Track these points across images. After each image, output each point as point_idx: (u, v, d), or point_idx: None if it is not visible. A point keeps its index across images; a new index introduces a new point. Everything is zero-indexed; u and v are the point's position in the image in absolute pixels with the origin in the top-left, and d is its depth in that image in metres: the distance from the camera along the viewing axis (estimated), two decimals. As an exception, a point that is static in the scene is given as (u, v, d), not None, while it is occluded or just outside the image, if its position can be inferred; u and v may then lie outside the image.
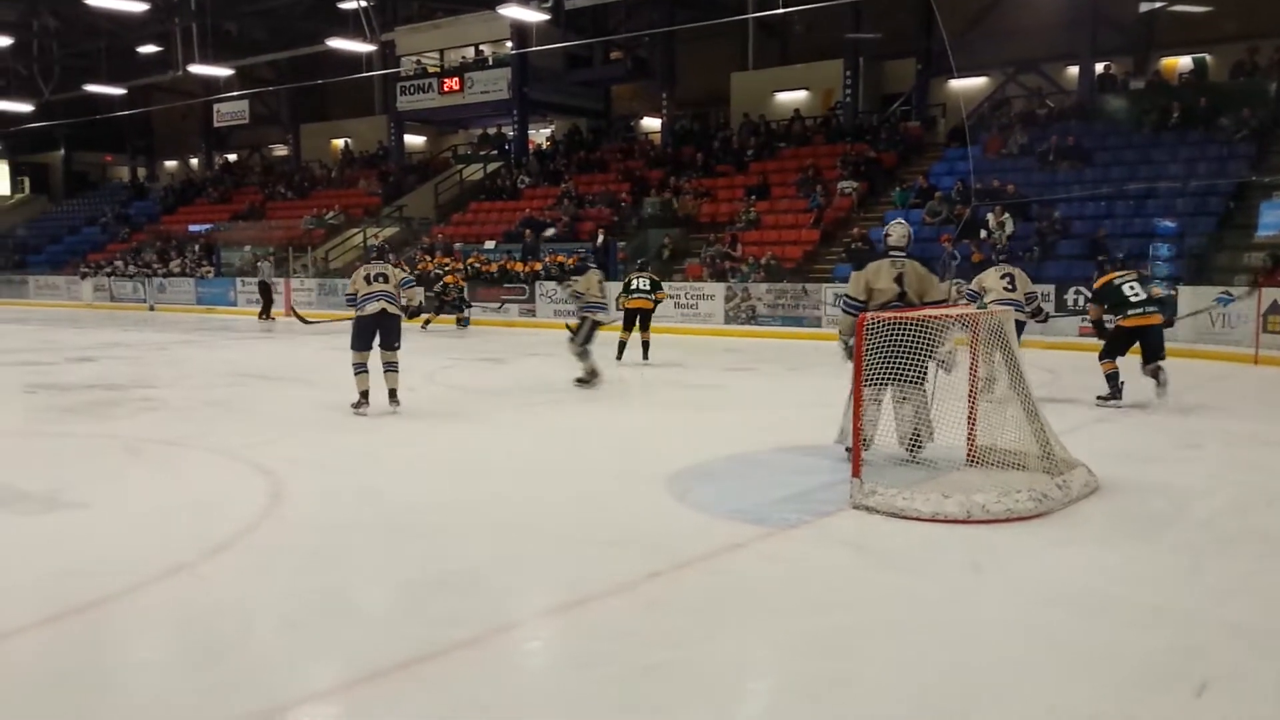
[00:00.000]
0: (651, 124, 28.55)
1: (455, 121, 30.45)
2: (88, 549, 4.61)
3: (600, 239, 20.89)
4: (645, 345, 12.42)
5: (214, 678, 3.25)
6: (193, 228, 30.23)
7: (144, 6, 21.00)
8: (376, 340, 8.18)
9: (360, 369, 8.17)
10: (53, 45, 29.28)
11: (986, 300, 8.84)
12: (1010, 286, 8.97)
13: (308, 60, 26.46)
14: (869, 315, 5.44)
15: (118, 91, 28.79)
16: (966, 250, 16.60)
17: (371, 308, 8.10)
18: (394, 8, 26.92)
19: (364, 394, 8.22)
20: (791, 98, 25.31)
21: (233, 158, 37.04)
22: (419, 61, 27.88)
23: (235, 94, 28.95)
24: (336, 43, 23.30)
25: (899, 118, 23.06)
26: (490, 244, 22.93)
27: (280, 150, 35.77)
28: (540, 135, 30.42)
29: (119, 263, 29.48)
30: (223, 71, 26.38)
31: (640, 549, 4.55)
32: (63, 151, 39.23)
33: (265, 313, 21.50)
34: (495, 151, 29.26)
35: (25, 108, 29.67)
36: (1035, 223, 17.34)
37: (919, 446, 5.90)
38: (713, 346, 15.29)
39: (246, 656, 3.45)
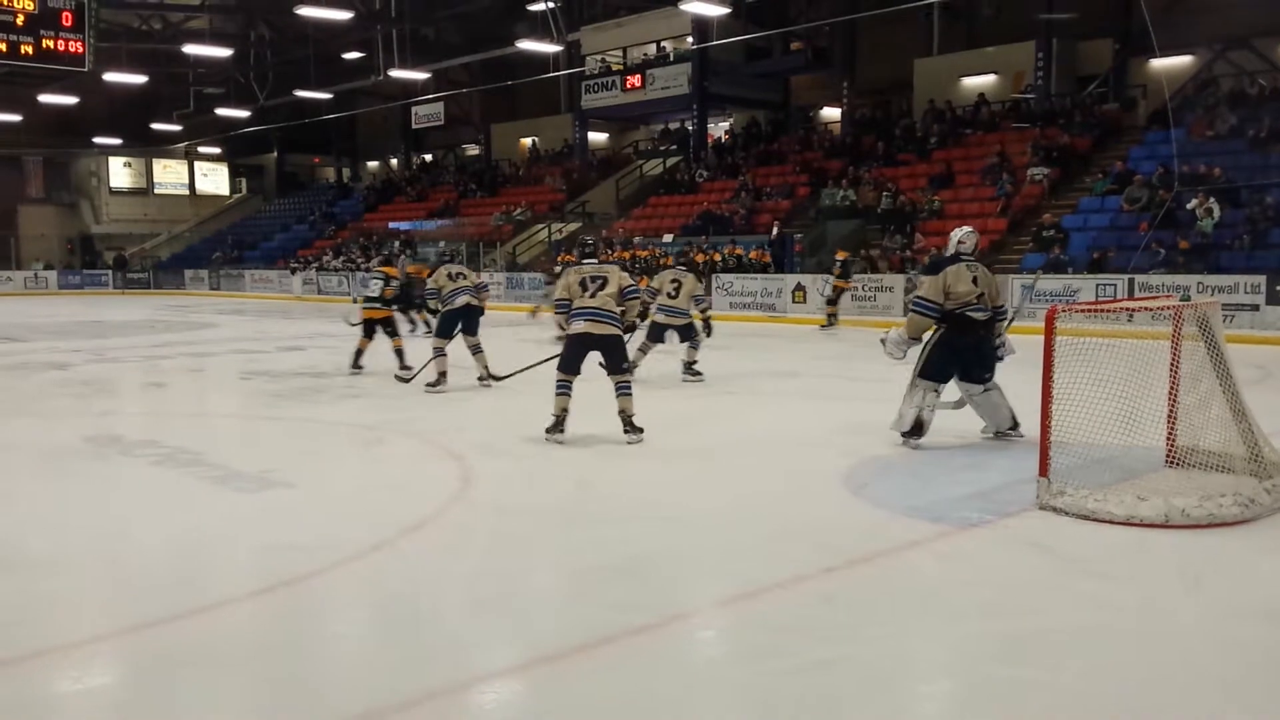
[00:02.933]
0: (831, 114, 28.10)
1: (637, 117, 30.89)
2: (295, 526, 4.95)
3: (775, 232, 20.74)
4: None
5: (407, 651, 3.42)
6: (392, 225, 31.93)
7: (349, 15, 22.29)
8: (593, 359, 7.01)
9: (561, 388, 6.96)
10: (267, 54, 31.47)
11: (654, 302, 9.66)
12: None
13: (499, 62, 27.44)
14: (1058, 307, 5.19)
15: (325, 96, 30.67)
16: (1172, 239, 15.58)
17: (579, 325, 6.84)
18: (580, 8, 27.54)
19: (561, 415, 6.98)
20: (978, 82, 24.35)
21: (429, 158, 38.81)
22: (603, 60, 28.42)
23: (431, 96, 30.30)
24: (526, 44, 24.05)
25: (1094, 100, 21.81)
26: (668, 238, 23.16)
27: (473, 150, 37.21)
28: (719, 128, 30.46)
29: (326, 258, 31.51)
30: (420, 75, 27.67)
31: (813, 543, 4.52)
32: (275, 154, 42.11)
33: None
34: (674, 146, 29.52)
35: (243, 113, 32.04)
36: (1245, 209, 16.07)
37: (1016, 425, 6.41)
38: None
39: (437, 632, 3.62)
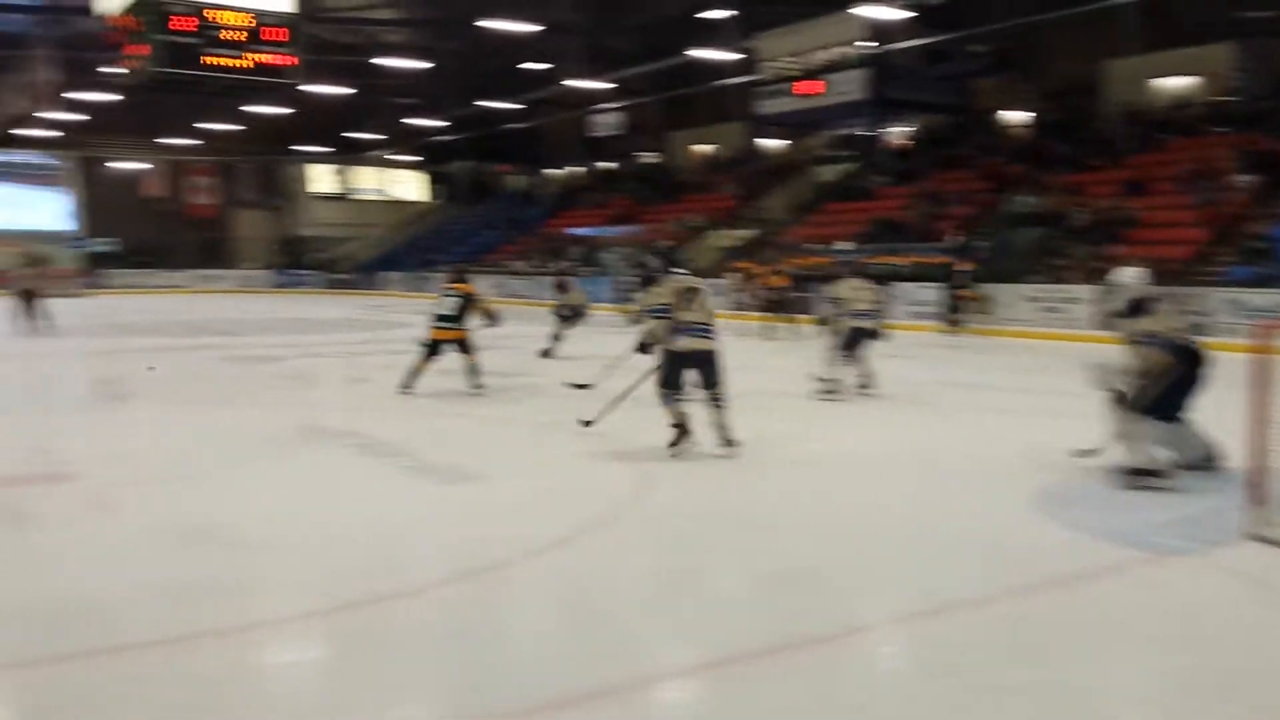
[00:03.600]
0: (1014, 117, 27.00)
1: (812, 123, 30.55)
2: (484, 519, 5.19)
3: (952, 238, 20.11)
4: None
5: (588, 645, 3.56)
6: (573, 231, 32.74)
7: (535, 27, 23.01)
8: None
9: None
10: (459, 65, 32.85)
11: (839, 311, 9.25)
12: (865, 295, 9.26)
13: (677, 70, 27.74)
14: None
15: (510, 106, 31.74)
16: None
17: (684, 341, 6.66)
18: (756, 16, 27.48)
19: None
20: (1174, 84, 22.88)
21: (609, 165, 39.61)
22: (778, 66, 28.29)
23: (611, 105, 30.91)
24: (702, 52, 24.20)
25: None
26: (844, 245, 22.82)
27: (651, 157, 37.74)
28: (897, 134, 29.78)
29: (512, 263, 32.66)
30: (601, 84, 28.28)
31: (1000, 562, 4.41)
32: (466, 162, 43.87)
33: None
34: (850, 152, 29.07)
35: (436, 123, 33.55)
36: None
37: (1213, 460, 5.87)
38: (1072, 352, 14.24)
39: (618, 628, 3.74)
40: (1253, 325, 4.73)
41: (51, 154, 37.60)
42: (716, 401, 6.61)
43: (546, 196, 39.64)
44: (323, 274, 39.23)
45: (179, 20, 15.40)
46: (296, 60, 16.98)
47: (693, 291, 6.64)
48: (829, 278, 10.33)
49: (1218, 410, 5.68)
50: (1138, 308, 5.89)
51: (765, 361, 13.04)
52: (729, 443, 6.59)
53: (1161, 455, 5.74)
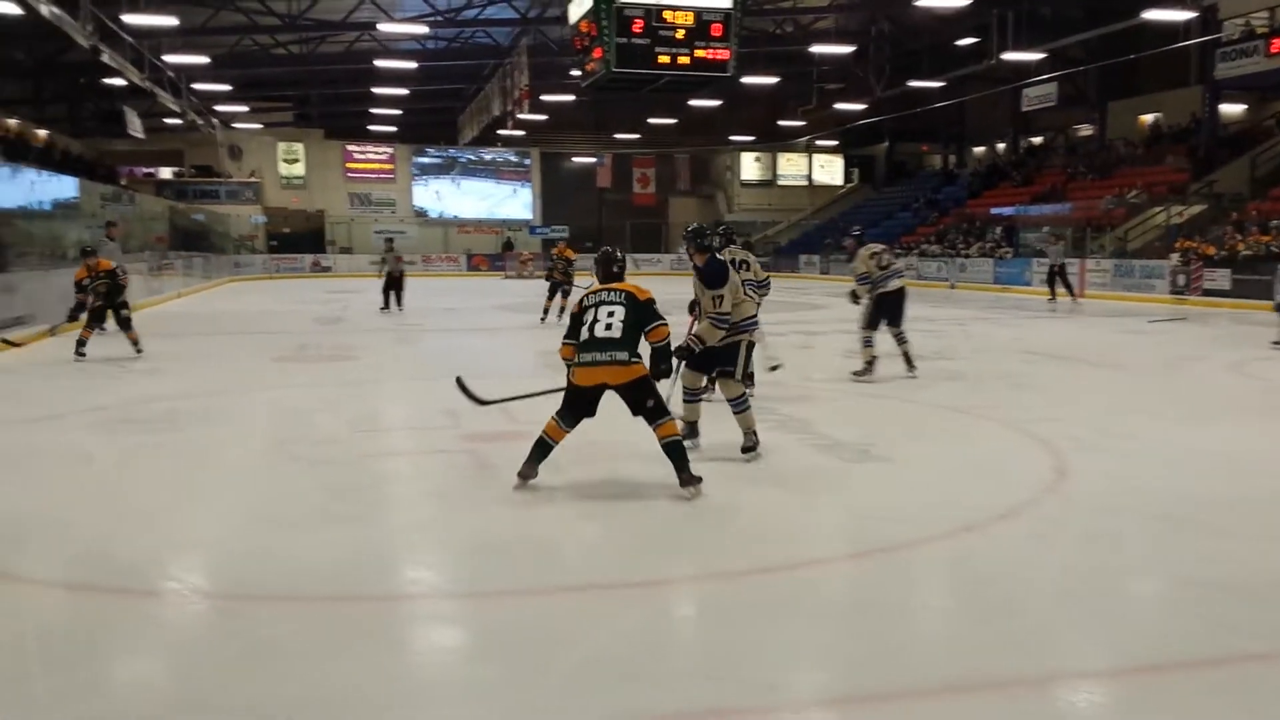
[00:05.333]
0: None
1: (1282, 86, 26.56)
2: (890, 498, 5.25)
3: None
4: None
5: (991, 634, 3.50)
6: (994, 210, 31.30)
7: (967, 1, 22.23)
8: None
9: None
10: (885, 47, 32.58)
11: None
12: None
13: (1120, 35, 25.41)
14: None
15: (935, 85, 30.94)
16: None
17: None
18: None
19: None
20: None
21: (1037, 140, 37.28)
22: (1246, 23, 24.87)
23: (1043, 77, 29.05)
24: (1154, 14, 21.97)
25: None
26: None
27: (1085, 130, 34.97)
28: None
29: (926, 244, 31.93)
30: (1033, 56, 26.68)
31: None
32: (886, 144, 43.49)
33: (1058, 293, 21.16)
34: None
35: (858, 106, 33.58)
36: None
37: None
38: None
39: (1022, 621, 3.63)
40: None
41: (518, 151, 42.66)
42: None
43: (967, 175, 38.14)
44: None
45: (633, 23, 16.76)
46: (731, 53, 17.78)
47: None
48: None
49: None
50: None
51: (1212, 352, 11.74)
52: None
53: None
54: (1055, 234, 22.86)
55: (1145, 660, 3.28)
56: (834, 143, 43.50)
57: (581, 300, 5.31)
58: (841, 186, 46.30)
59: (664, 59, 17.22)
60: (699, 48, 17.40)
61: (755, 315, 6.56)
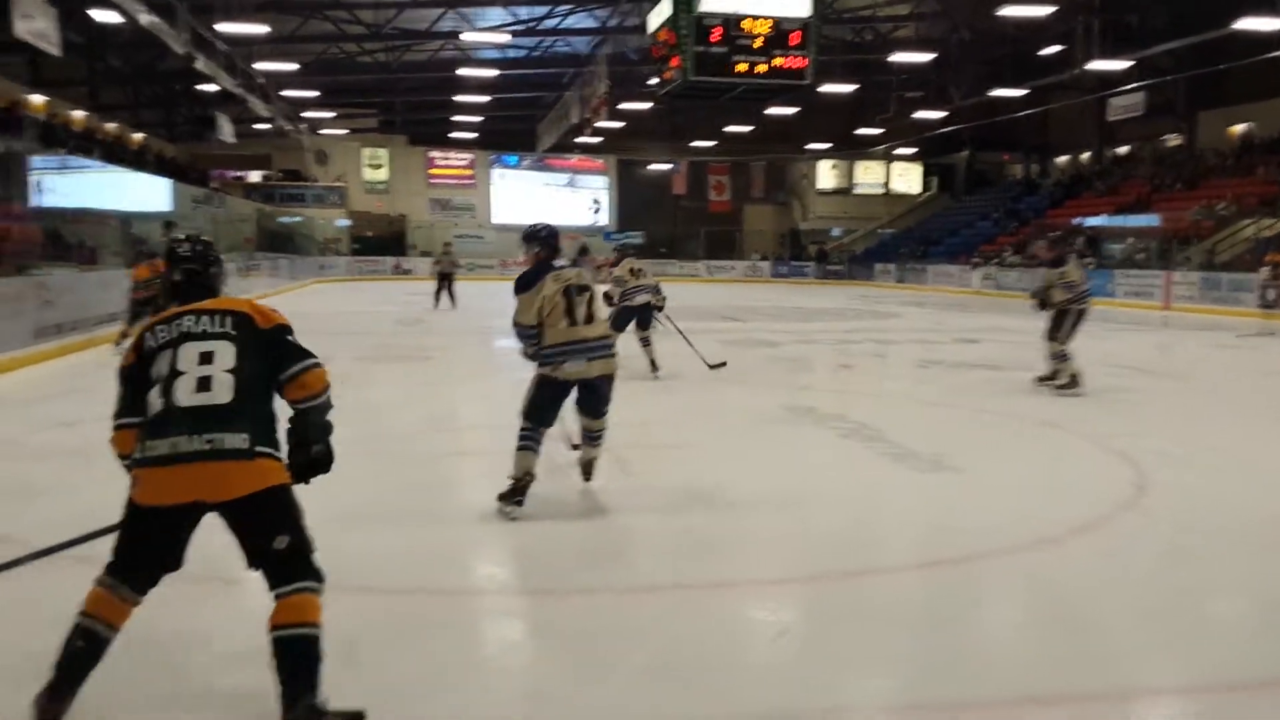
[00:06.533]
0: None
1: (1397, 91, 25.51)
2: (963, 509, 5.19)
3: None
4: None
5: (1065, 648, 3.45)
6: (1076, 220, 30.61)
7: (1051, 9, 21.82)
8: None
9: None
10: (966, 56, 32.10)
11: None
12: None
13: (1210, 44, 24.67)
14: None
15: (1018, 93, 30.39)
16: None
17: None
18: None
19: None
20: None
21: (1123, 150, 36.38)
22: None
23: (1130, 86, 28.36)
24: (1247, 23, 21.27)
25: None
26: None
27: (1173, 140, 34.02)
28: None
29: (1005, 253, 31.35)
30: (1120, 64, 26.04)
31: None
32: (966, 152, 42.80)
33: None
34: None
35: (938, 114, 33.13)
36: None
37: None
38: None
39: (1099, 636, 3.57)
40: None
41: (596, 158, 43.00)
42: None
43: (1050, 185, 37.36)
44: (818, 265, 40.75)
45: (712, 31, 16.80)
46: (809, 61, 17.72)
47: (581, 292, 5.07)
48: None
49: None
50: None
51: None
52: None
53: None
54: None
55: (1223, 679, 3.21)
56: (912, 151, 42.96)
57: (140, 340, 2.84)
58: (919, 195, 45.69)
59: (742, 67, 17.24)
60: (777, 56, 17.38)
61: (565, 345, 4.87)
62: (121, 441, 2.82)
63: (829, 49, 27.78)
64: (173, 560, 2.72)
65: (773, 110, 30.74)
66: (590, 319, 4.89)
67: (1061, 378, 8.88)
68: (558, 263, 5.05)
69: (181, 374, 2.66)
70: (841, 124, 38.08)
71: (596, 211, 44.05)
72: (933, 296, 28.84)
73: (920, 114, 33.59)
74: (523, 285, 4.95)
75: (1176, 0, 25.85)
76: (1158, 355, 13.37)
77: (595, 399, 5.00)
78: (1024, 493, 5.56)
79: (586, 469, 5.29)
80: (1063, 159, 40.08)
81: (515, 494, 4.84)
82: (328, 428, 2.88)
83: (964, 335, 15.56)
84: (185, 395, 2.63)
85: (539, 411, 4.90)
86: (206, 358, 2.69)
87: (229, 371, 2.67)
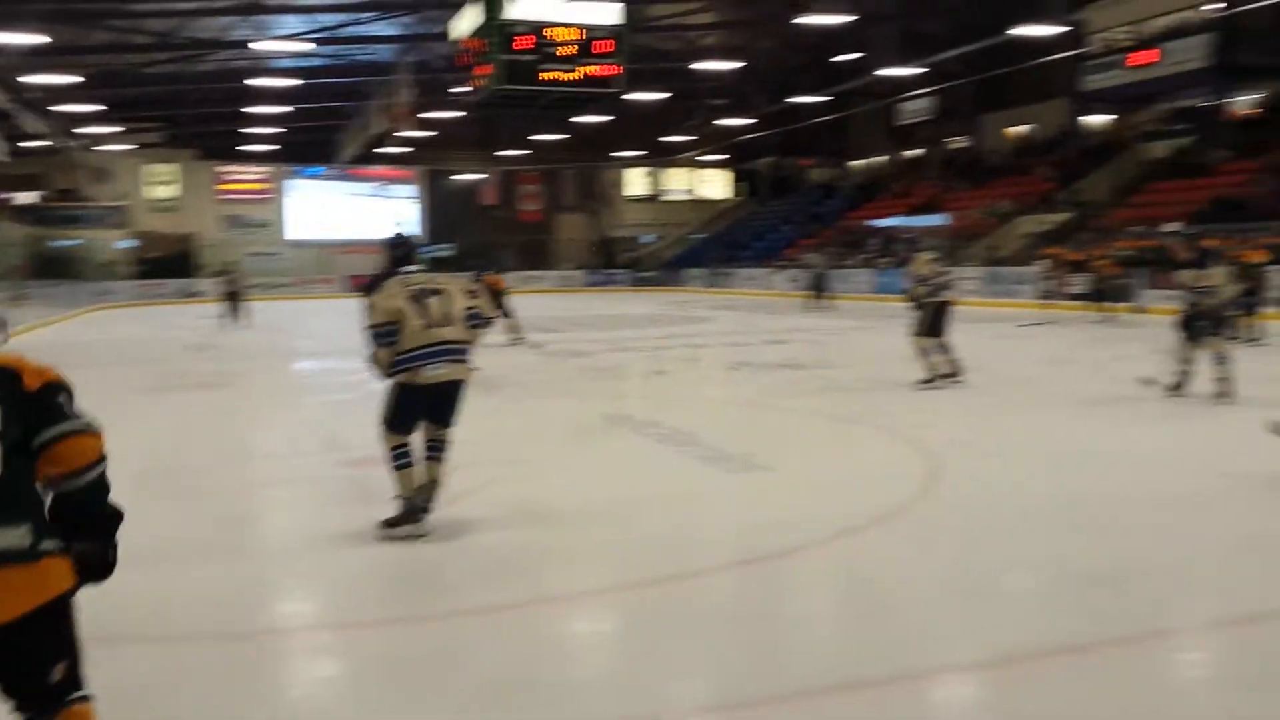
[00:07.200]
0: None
1: (1143, 97, 28.12)
2: (773, 506, 5.33)
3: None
4: None
5: (874, 633, 3.60)
6: (873, 223, 32.23)
7: (846, 19, 22.83)
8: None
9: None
10: (769, 64, 33.19)
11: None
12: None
13: (994, 50, 26.55)
14: None
15: (817, 100, 31.72)
16: None
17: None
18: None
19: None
20: None
21: (914, 154, 38.54)
22: (1108, 38, 26.28)
23: (919, 92, 30.08)
24: (1024, 30, 22.96)
25: None
26: (1171, 226, 20.93)
27: (959, 143, 36.34)
28: (1242, 103, 26.74)
29: (809, 256, 32.65)
30: (910, 71, 27.59)
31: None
32: (770, 158, 44.26)
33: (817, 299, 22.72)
34: (1185, 126, 26.50)
35: (743, 121, 34.17)
36: None
37: None
38: None
39: (902, 620, 3.74)
40: None
41: (402, 168, 42.07)
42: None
43: (848, 188, 39.23)
44: (630, 272, 41.31)
45: (520, 39, 16.59)
46: (620, 70, 17.75)
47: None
48: (1190, 263, 8.55)
49: None
50: None
51: (1080, 354, 12.31)
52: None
53: None
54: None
55: (1019, 650, 3.39)
56: (719, 157, 44.11)
57: None
58: (726, 201, 46.97)
59: (551, 75, 17.13)
60: (587, 64, 17.36)
61: (422, 349, 4.69)
62: None
63: (638, 57, 28.14)
64: None
65: (583, 119, 30.89)
66: (446, 320, 4.75)
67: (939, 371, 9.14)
68: (406, 269, 4.95)
69: None
70: (650, 131, 38.70)
71: (399, 226, 43.15)
72: (743, 300, 29.67)
73: (726, 121, 34.54)
74: (370, 289, 5.06)
75: (962, 9, 27.60)
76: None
77: (448, 405, 4.83)
78: (830, 486, 5.77)
79: (426, 495, 4.81)
80: (859, 163, 42.07)
81: (412, 515, 4.69)
82: (107, 518, 2.12)
83: (772, 337, 16.05)
84: None
85: (401, 421, 4.76)
86: None
87: None
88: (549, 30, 16.86)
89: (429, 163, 41.69)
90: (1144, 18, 25.25)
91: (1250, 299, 11.30)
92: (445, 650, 3.56)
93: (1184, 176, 23.81)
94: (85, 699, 2.08)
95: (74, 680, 2.07)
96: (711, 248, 40.71)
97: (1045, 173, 28.33)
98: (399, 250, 5.10)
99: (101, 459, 2.09)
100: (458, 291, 4.91)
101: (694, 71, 29.26)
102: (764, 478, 6.04)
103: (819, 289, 23.66)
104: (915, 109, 31.07)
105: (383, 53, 30.40)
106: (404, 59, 27.99)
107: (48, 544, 1.96)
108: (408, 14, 26.79)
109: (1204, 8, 23.35)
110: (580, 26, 17.01)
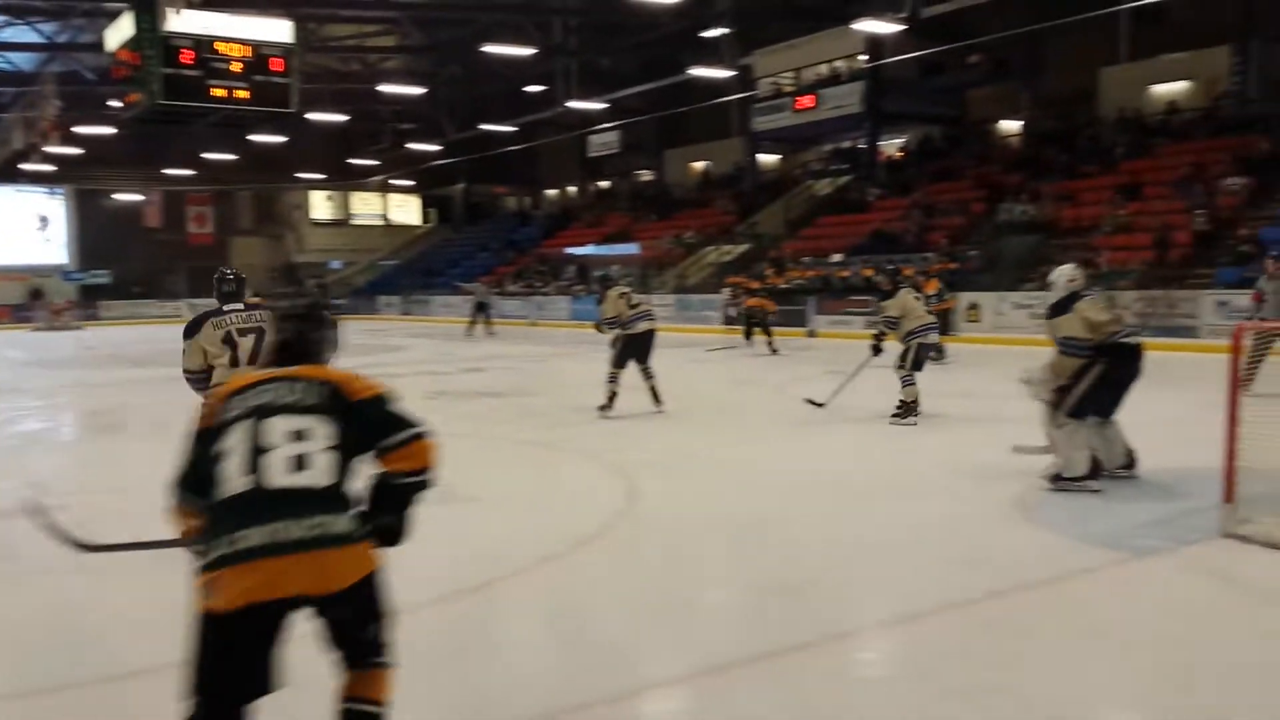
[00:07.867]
0: (1010, 126, 27.22)
1: (808, 138, 30.81)
2: (476, 537, 5.24)
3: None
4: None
5: (578, 659, 3.64)
6: (568, 250, 32.92)
7: (531, 50, 23.23)
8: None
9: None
10: (456, 91, 33.10)
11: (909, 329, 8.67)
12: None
13: (674, 89, 28.05)
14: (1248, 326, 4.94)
15: (508, 129, 32.01)
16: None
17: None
18: (753, 33, 27.78)
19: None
20: (1169, 89, 23.11)
21: (605, 185, 39.85)
22: (775, 82, 28.54)
23: (607, 125, 31.15)
24: (699, 71, 24.41)
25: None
26: (837, 257, 23.04)
27: (646, 175, 37.99)
28: (892, 146, 30.03)
29: (506, 283, 32.81)
30: (597, 105, 28.52)
31: (981, 568, 4.48)
32: (463, 185, 44.12)
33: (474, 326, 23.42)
34: (845, 165, 29.32)
35: (433, 147, 33.81)
36: None
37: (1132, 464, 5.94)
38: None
39: (606, 641, 3.81)
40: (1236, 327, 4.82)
41: (50, 188, 37.89)
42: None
43: (542, 216, 39.90)
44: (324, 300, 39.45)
45: (181, 53, 15.56)
46: (292, 88, 17.09)
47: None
48: (888, 292, 9.02)
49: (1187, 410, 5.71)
50: (1059, 308, 5.85)
51: (762, 376, 13.14)
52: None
53: (1083, 458, 5.72)
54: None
55: (713, 662, 3.53)
56: (410, 183, 43.40)
57: (209, 412, 2.57)
58: (419, 227, 46.25)
59: (219, 92, 16.19)
60: (258, 82, 16.57)
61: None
62: (187, 518, 2.57)
63: (316, 77, 27.10)
64: (271, 679, 2.43)
65: (259, 137, 29.30)
66: (254, 360, 4.67)
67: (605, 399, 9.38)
68: (229, 307, 4.99)
69: (263, 449, 2.41)
70: (334, 153, 37.40)
71: (44, 228, 38.82)
72: (439, 327, 29.24)
73: (415, 145, 34.03)
74: (187, 332, 4.99)
75: (643, 48, 28.90)
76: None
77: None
78: (530, 513, 5.78)
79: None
80: (553, 192, 42.90)
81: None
82: (404, 501, 2.73)
83: (470, 365, 15.90)
84: (277, 473, 2.39)
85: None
86: (297, 432, 2.45)
87: (323, 448, 2.46)
88: (217, 45, 15.98)
89: (80, 181, 37.69)
90: (804, 65, 27.64)
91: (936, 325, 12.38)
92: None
93: (846, 211, 26.17)
94: (387, 665, 2.61)
95: (384, 643, 2.59)
96: (405, 274, 39.90)
97: (726, 206, 30.27)
98: (221, 287, 5.15)
99: (433, 454, 2.73)
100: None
101: (379, 94, 28.65)
102: (466, 508, 5.89)
103: (481, 315, 23.74)
104: (603, 142, 32.14)
105: (23, 61, 27.37)
106: (48, 69, 25.29)
107: (364, 530, 2.52)
108: (49, 21, 24.30)
109: (856, 58, 25.90)
110: (249, 43, 16.26)
